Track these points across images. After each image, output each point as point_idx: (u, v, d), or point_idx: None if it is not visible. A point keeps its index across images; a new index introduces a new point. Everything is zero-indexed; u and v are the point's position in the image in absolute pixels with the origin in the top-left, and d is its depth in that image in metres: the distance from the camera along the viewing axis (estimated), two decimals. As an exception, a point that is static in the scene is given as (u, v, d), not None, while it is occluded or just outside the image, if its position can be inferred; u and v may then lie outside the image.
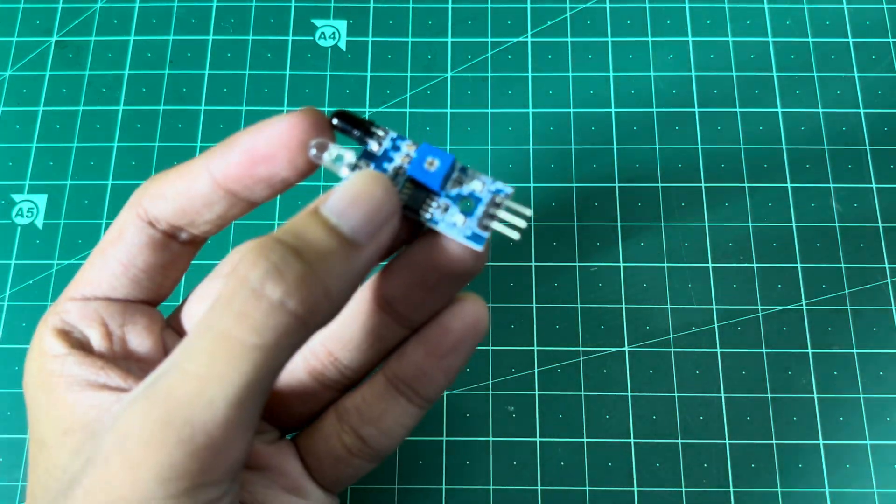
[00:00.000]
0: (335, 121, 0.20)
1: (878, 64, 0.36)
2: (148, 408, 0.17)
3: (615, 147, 0.34)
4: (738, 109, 0.35)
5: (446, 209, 0.20)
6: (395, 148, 0.20)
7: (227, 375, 0.17)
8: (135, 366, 0.22)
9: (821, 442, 0.30)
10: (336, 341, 0.23)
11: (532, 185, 0.34)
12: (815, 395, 0.31)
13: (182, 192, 0.21)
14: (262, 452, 0.23)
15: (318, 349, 0.23)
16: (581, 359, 0.31)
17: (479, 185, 0.20)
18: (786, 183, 0.34)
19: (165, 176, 0.21)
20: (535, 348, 0.32)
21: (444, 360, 0.22)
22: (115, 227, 0.22)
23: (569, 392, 0.31)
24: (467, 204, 0.20)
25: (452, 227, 0.20)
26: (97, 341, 0.21)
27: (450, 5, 0.37)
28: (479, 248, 0.20)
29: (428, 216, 0.20)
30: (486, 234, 0.20)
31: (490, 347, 0.32)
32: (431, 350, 0.22)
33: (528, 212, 0.20)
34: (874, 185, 0.34)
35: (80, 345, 0.21)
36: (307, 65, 0.36)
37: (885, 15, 0.37)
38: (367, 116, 0.35)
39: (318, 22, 0.37)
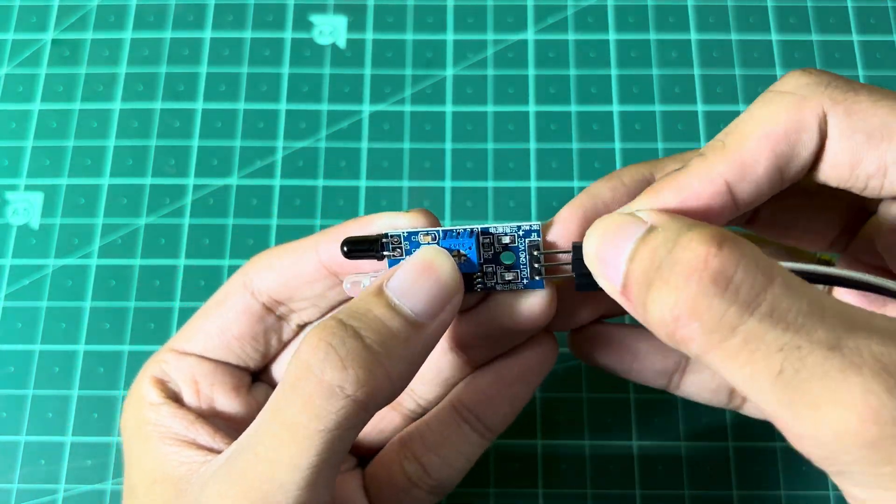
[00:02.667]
0: (345, 248, 0.21)
1: (883, 63, 0.35)
2: (227, 487, 0.18)
3: (617, 146, 0.34)
4: (740, 108, 0.35)
5: (493, 274, 0.21)
6: (415, 245, 0.20)
7: (295, 460, 0.18)
8: (222, 423, 0.23)
9: (825, 444, 0.30)
10: None
11: (533, 184, 0.34)
12: (820, 397, 0.30)
13: (289, 267, 0.22)
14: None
15: None
16: (583, 360, 0.31)
17: (508, 239, 0.20)
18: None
19: (276, 250, 0.23)
20: (537, 349, 0.31)
21: (510, 388, 0.23)
22: (221, 290, 0.24)
23: (570, 394, 0.31)
24: (510, 256, 0.21)
25: (508, 284, 0.21)
26: (188, 396, 0.23)
27: (450, 2, 0.37)
28: (541, 288, 0.21)
29: (481, 287, 0.21)
30: (540, 280, 0.20)
31: (491, 349, 0.31)
32: (499, 376, 0.23)
33: (567, 247, 0.20)
34: (879, 185, 0.33)
35: (175, 396, 0.23)
36: (305, 62, 0.36)
37: (890, 13, 0.36)
38: (367, 115, 0.35)
39: (316, 19, 0.37)
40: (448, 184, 0.34)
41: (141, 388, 0.23)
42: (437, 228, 0.20)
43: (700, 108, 0.35)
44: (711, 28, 0.36)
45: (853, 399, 0.14)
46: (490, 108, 0.35)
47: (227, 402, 0.23)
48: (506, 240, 0.20)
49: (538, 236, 0.20)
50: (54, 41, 0.36)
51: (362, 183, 0.34)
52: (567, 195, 0.33)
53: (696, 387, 0.24)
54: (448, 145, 0.34)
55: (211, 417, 0.23)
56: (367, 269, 0.21)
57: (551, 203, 0.33)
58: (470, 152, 0.34)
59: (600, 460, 0.30)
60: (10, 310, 0.32)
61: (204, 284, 0.32)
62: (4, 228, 0.33)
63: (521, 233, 0.20)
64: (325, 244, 0.22)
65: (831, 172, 0.19)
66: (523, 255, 0.20)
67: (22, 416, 0.31)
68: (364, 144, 0.34)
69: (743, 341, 0.15)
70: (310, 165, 0.34)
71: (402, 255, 0.21)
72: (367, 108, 0.35)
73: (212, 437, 0.21)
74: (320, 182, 0.34)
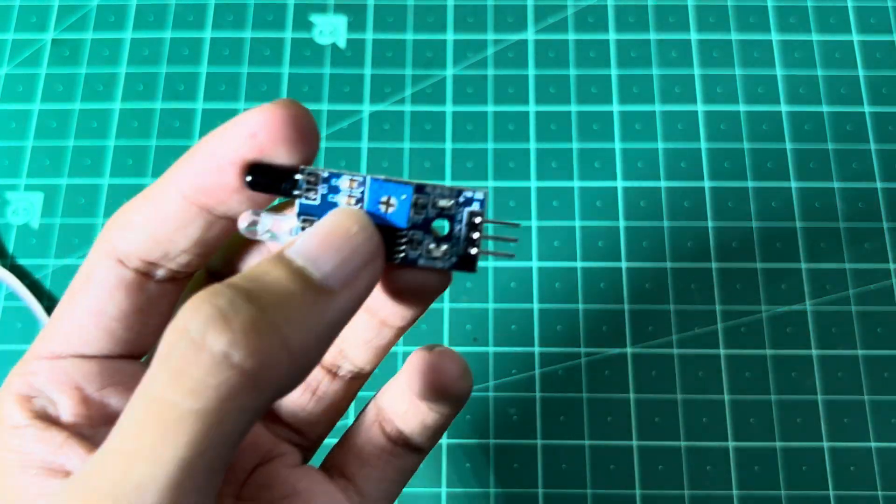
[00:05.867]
0: (249, 178, 0.17)
1: (883, 63, 0.35)
2: (62, 501, 0.14)
3: (617, 146, 0.34)
4: (741, 108, 0.35)
5: (419, 242, 0.18)
6: (334, 189, 0.17)
7: (158, 450, 0.14)
8: None
9: (825, 444, 0.30)
10: None
11: (533, 184, 0.34)
12: (819, 398, 0.30)
13: (151, 217, 0.18)
14: (288, 478, 0.20)
15: None
16: (583, 360, 0.31)
17: (446, 203, 0.17)
18: (790, 182, 0.34)
19: (133, 202, 0.18)
20: (537, 350, 0.31)
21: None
22: (83, 268, 0.18)
23: (570, 394, 0.31)
24: (440, 225, 0.18)
25: (433, 261, 0.18)
26: (68, 409, 0.18)
27: (450, 2, 0.37)
28: (473, 272, 0.18)
29: (401, 257, 0.17)
30: (475, 256, 0.18)
31: (491, 349, 0.31)
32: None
33: (516, 227, 0.18)
34: (879, 185, 0.33)
35: (45, 414, 0.18)
36: (305, 62, 0.36)
37: (890, 13, 0.36)
38: (367, 115, 0.35)
39: (316, 19, 0.37)
40: (448, 184, 0.34)
41: (2, 410, 0.18)
42: (366, 175, 0.17)
43: (700, 107, 0.35)
44: (711, 28, 0.36)
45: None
46: (490, 108, 0.35)
47: (124, 405, 0.18)
48: (442, 202, 0.17)
49: (482, 207, 0.17)
50: (54, 41, 0.36)
51: (362, 183, 0.34)
52: (567, 195, 0.33)
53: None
54: (448, 145, 0.34)
55: (105, 428, 0.18)
56: (261, 201, 0.18)
57: (551, 203, 0.33)
58: (470, 152, 0.34)
59: (600, 460, 0.30)
60: (10, 310, 0.32)
61: (204, 284, 0.32)
62: (4, 228, 0.33)
63: (462, 199, 0.17)
64: (182, 175, 0.17)
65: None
66: (459, 227, 0.17)
67: (22, 416, 0.31)
68: (364, 144, 0.34)
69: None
70: (310, 165, 0.34)
71: (315, 198, 0.17)
72: (367, 108, 0.35)
73: (85, 459, 0.17)
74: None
